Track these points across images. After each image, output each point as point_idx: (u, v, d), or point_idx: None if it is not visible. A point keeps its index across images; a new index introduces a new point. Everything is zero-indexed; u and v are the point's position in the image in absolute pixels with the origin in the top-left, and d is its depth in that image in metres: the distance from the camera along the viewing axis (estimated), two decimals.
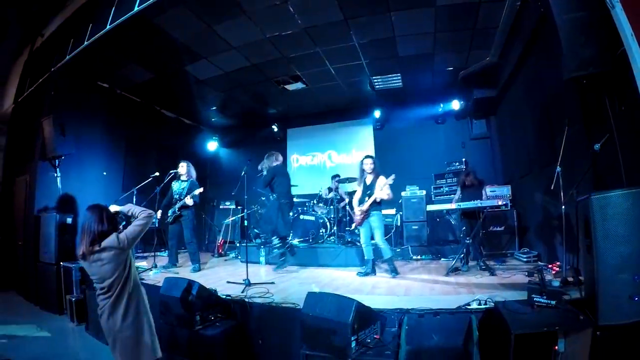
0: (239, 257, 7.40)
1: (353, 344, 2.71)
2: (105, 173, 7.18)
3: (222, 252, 8.17)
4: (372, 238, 5.29)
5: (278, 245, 5.94)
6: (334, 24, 5.55)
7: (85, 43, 5.61)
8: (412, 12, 5.22)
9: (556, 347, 2.62)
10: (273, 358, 3.55)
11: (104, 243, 2.54)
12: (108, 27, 5.27)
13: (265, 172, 5.96)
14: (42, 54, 7.02)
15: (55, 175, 6.18)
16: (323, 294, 3.07)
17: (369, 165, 5.38)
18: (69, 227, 5.90)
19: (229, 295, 4.04)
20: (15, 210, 7.08)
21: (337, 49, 6.31)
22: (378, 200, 5.15)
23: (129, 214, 2.88)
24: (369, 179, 5.37)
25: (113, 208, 2.91)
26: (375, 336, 2.98)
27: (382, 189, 5.12)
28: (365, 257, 5.32)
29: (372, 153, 9.36)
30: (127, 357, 2.62)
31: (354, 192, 5.75)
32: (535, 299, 2.81)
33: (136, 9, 4.91)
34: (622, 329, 2.35)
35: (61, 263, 5.59)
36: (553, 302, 2.73)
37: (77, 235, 6.03)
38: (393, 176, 5.10)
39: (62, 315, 5.42)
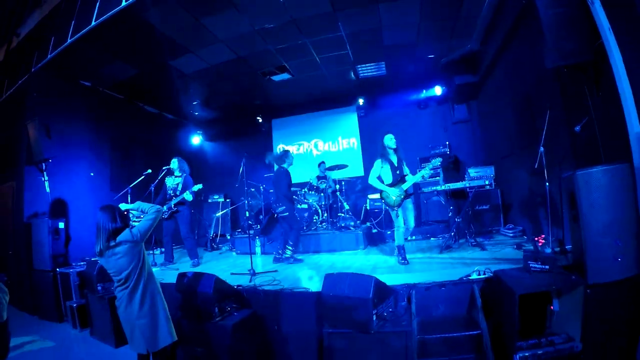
0: (234, 250, 7.51)
1: (374, 318, 2.97)
2: (92, 174, 7.07)
3: (215, 246, 8.26)
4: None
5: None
6: (322, 16, 5.65)
7: (69, 40, 5.45)
8: (399, 3, 5.39)
9: (552, 307, 2.99)
10: (290, 341, 3.73)
11: (119, 238, 2.82)
12: (94, 23, 5.14)
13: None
14: (19, 54, 6.74)
15: (43, 179, 6.02)
16: (341, 274, 3.27)
17: (394, 141, 5.00)
18: (62, 232, 5.82)
19: (240, 285, 4.17)
20: (1, 219, 6.85)
21: (324, 39, 6.42)
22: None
23: (139, 210, 3.19)
24: (395, 158, 4.98)
25: (123, 206, 3.20)
26: (390, 309, 3.25)
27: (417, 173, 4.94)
28: (397, 243, 4.86)
29: (357, 140, 9.65)
30: (145, 344, 2.83)
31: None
32: (531, 265, 3.13)
33: (124, 3, 4.82)
34: (608, 286, 2.71)
35: (57, 269, 5.52)
36: (547, 267, 3.07)
37: (70, 240, 6.05)
38: (440, 159, 5.00)
39: (62, 323, 5.36)
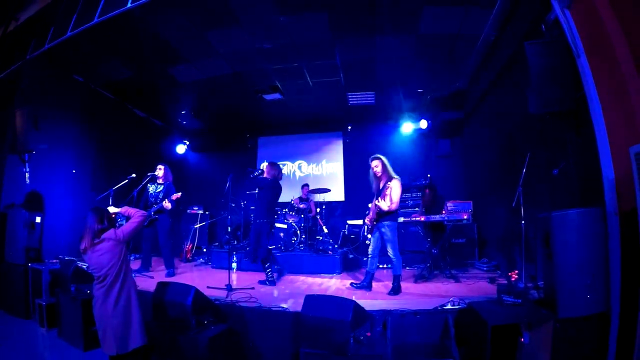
0: (209, 263, 7.37)
1: (351, 341, 2.99)
2: (74, 171, 6.90)
3: (190, 258, 8.09)
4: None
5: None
6: (321, 41, 5.85)
7: (69, 33, 5.39)
8: (396, 37, 5.64)
9: (522, 339, 3.09)
10: (265, 359, 3.71)
11: (103, 236, 2.98)
12: (96, 19, 5.12)
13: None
14: (15, 39, 6.57)
15: (25, 170, 5.84)
16: (322, 296, 3.33)
17: (376, 167, 4.78)
18: (38, 226, 5.63)
19: (218, 299, 4.15)
20: None
21: (319, 64, 6.62)
22: (384, 210, 4.49)
23: (126, 214, 3.31)
24: (379, 183, 4.79)
25: (112, 210, 3.30)
26: (367, 334, 3.27)
27: (385, 198, 4.46)
28: (367, 269, 4.89)
29: (341, 165, 9.79)
30: (116, 344, 2.87)
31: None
32: (504, 298, 3.26)
33: (129, 5, 4.83)
34: (577, 320, 2.85)
35: (29, 264, 5.31)
36: (519, 301, 3.20)
37: (44, 235, 5.84)
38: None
39: (28, 320, 5.14)
